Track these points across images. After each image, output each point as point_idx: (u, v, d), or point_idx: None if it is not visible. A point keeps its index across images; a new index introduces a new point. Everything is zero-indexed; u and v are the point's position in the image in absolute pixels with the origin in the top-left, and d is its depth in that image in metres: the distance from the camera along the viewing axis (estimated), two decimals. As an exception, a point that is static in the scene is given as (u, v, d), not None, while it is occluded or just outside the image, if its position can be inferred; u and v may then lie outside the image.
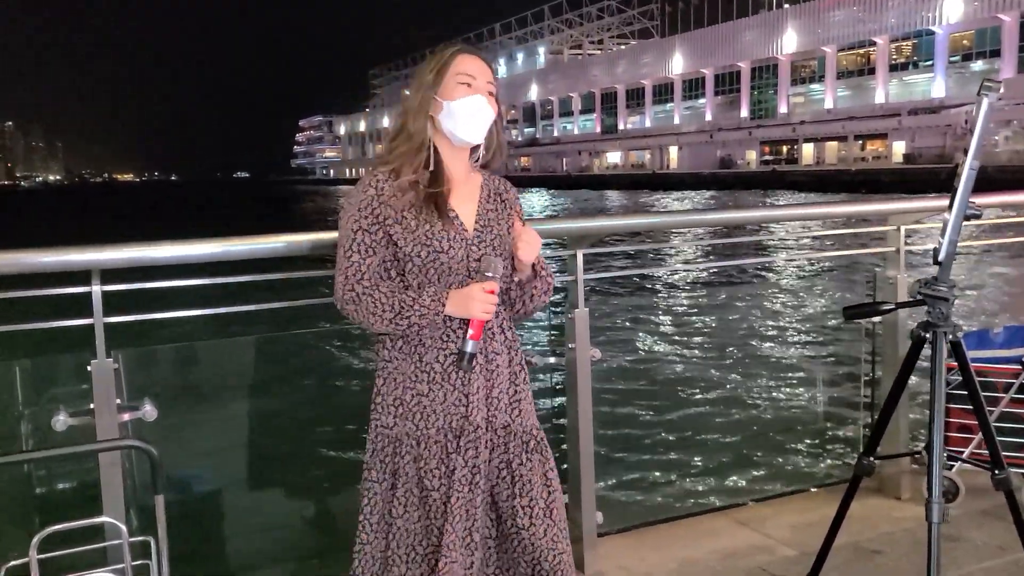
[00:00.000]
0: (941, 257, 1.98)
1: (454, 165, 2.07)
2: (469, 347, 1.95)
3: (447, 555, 1.94)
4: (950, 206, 1.95)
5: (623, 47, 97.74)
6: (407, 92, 2.08)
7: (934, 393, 2.01)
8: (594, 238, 3.17)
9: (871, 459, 2.32)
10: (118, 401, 2.38)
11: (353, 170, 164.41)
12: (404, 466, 1.99)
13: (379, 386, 2.05)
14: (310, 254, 2.52)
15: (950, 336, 2.08)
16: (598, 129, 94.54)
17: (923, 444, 2.23)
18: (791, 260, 15.35)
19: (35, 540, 1.83)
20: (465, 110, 2.00)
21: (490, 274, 1.94)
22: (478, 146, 2.10)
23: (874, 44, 63.73)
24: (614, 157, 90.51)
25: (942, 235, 1.98)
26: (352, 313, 1.97)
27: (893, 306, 2.35)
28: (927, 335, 2.10)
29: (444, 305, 1.94)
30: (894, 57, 63.36)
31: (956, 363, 2.15)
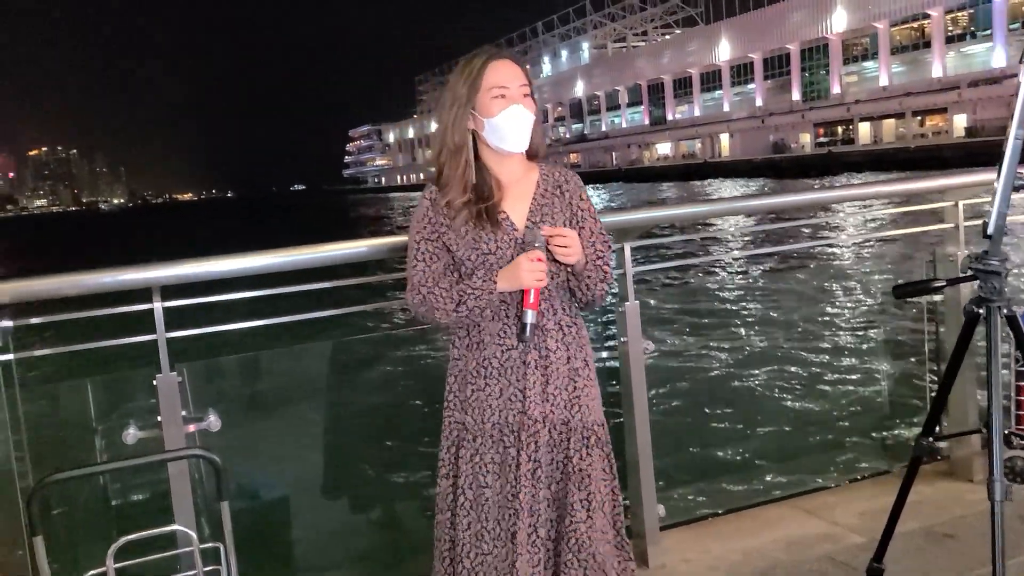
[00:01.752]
0: (990, 230, 1.93)
1: (503, 169, 2.10)
2: (528, 317, 1.99)
3: (522, 553, 1.97)
4: (997, 178, 1.91)
5: (668, 37, 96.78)
6: (443, 103, 2.09)
7: (990, 369, 1.95)
8: (640, 230, 3.16)
9: (930, 440, 2.27)
10: (183, 413, 2.46)
11: (404, 177, 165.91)
12: (463, 461, 2.06)
13: (450, 383, 2.14)
14: (350, 261, 2.59)
15: (1005, 311, 2.02)
16: (646, 121, 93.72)
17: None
18: (846, 244, 15.03)
19: (112, 550, 1.90)
20: (506, 124, 2.03)
21: (537, 244, 1.98)
22: None
23: (928, 16, 61.89)
24: (664, 148, 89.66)
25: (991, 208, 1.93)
26: (423, 313, 2.07)
27: (944, 283, 2.29)
28: (981, 311, 2.04)
29: (495, 283, 2.00)
30: (950, 28, 61.40)
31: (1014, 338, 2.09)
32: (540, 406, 2.03)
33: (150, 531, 2.02)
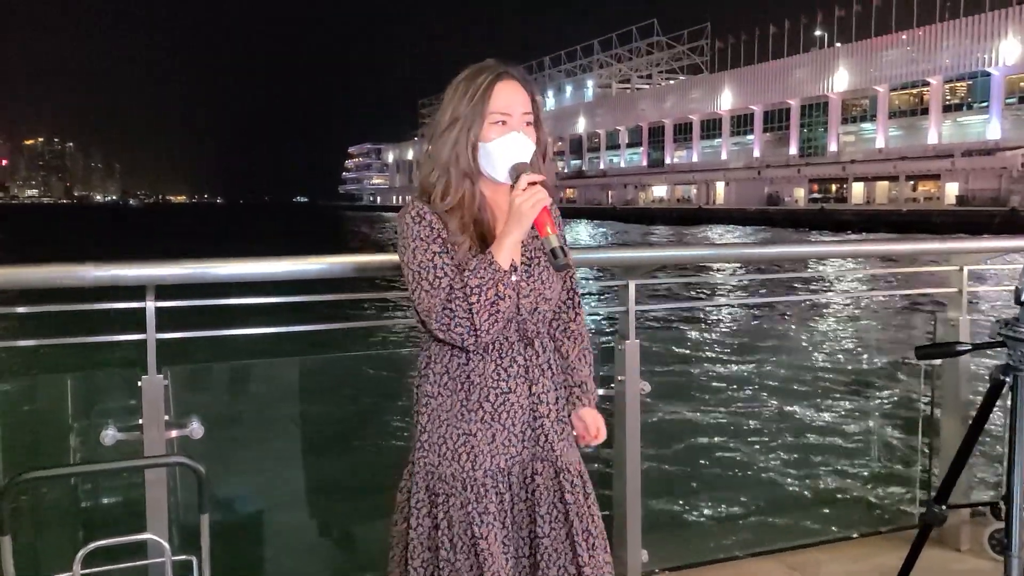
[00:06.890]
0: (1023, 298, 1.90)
1: (497, 197, 1.95)
2: (553, 241, 1.79)
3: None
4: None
5: (672, 82, 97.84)
6: (441, 120, 1.92)
7: (1014, 440, 1.90)
8: (647, 269, 3.12)
9: (943, 508, 2.21)
10: (166, 418, 2.38)
11: (399, 197, 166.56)
12: (450, 509, 1.91)
13: (423, 423, 1.95)
14: (354, 275, 2.51)
15: (1033, 380, 1.97)
16: (644, 163, 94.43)
17: (994, 495, 2.12)
18: (832, 300, 15.06)
19: (79, 555, 1.81)
20: (501, 151, 1.87)
21: (524, 175, 1.82)
22: None
23: (928, 84, 62.90)
24: (660, 191, 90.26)
25: (1023, 275, 1.90)
26: (455, 329, 1.81)
27: (970, 347, 2.25)
28: (1007, 378, 2.00)
29: (495, 250, 1.82)
30: (948, 98, 62.41)
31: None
32: (541, 447, 1.95)
33: (121, 538, 1.93)
